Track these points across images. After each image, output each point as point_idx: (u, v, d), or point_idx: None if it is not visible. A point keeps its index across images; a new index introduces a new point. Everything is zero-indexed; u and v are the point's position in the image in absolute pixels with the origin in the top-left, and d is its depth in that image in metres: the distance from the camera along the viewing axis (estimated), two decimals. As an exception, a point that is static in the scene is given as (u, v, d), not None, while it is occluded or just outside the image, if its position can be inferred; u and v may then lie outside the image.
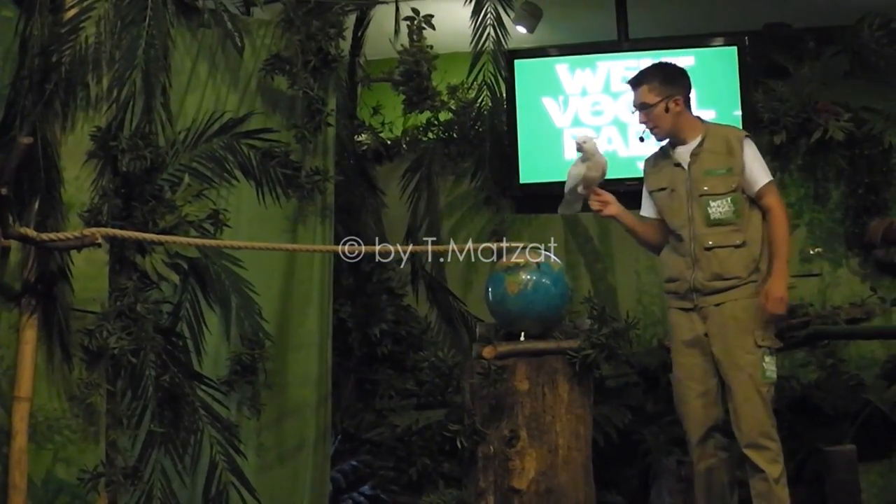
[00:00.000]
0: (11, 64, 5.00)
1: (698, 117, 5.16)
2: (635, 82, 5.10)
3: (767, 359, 4.87)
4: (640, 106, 5.05)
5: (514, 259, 5.29)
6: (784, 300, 4.85)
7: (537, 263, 5.24)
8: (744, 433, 4.82)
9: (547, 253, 5.38)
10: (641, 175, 5.23)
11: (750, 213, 4.96)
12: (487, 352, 5.14)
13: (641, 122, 5.09)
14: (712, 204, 4.91)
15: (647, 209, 5.26)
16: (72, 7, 5.09)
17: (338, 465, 6.35)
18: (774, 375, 4.90)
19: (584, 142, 5.26)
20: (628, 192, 5.35)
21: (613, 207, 5.21)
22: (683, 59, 7.03)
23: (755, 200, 4.98)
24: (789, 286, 4.96)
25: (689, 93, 5.11)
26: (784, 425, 4.99)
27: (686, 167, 5.02)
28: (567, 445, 5.13)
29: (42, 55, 4.98)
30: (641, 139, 5.23)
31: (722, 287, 4.90)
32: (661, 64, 5.24)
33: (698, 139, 5.03)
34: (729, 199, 4.91)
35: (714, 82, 7.10)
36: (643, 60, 7.17)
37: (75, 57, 5.09)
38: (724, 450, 4.99)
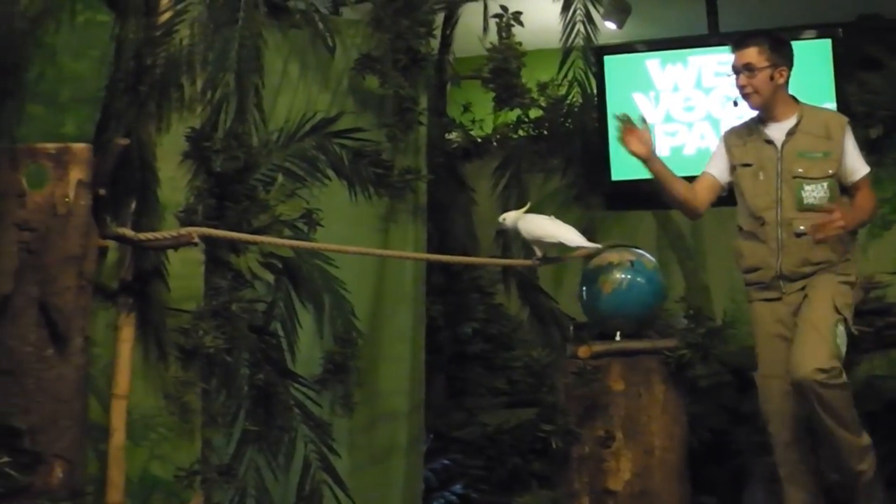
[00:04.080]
0: (107, 67, 5.04)
1: (793, 97, 4.93)
2: (742, 42, 4.86)
3: (840, 328, 4.60)
4: (745, 67, 4.80)
5: (606, 256, 5.26)
6: (845, 226, 4.57)
7: (631, 262, 5.20)
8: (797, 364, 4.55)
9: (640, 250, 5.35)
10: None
11: (840, 201, 4.76)
12: (582, 351, 5.12)
13: (740, 85, 4.83)
14: (806, 188, 4.70)
15: (714, 167, 5.02)
16: (166, 10, 5.11)
17: (429, 463, 6.33)
18: (843, 350, 4.61)
19: (505, 219, 5.26)
20: (723, 188, 5.24)
21: (643, 148, 4.90)
22: (776, 52, 6.94)
23: (847, 190, 4.81)
24: (880, 286, 4.88)
25: (792, 67, 4.90)
26: (882, 427, 4.85)
27: (779, 146, 4.81)
28: (662, 446, 5.10)
29: (137, 58, 5.01)
30: (735, 103, 4.99)
31: (811, 272, 4.71)
32: (772, 31, 5.06)
33: (793, 119, 4.83)
34: (825, 184, 4.72)
35: (807, 75, 6.88)
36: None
37: (169, 59, 5.11)
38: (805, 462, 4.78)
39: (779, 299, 4.78)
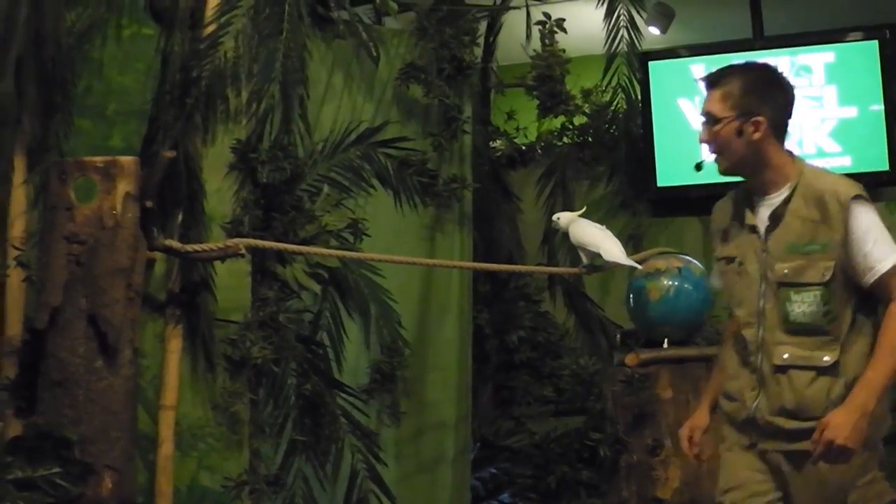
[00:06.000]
0: (153, 80, 5.09)
1: (790, 154, 3.41)
2: (710, 81, 3.43)
3: None
4: (705, 116, 3.39)
5: (653, 263, 5.24)
6: (844, 447, 3.07)
7: (678, 268, 5.17)
8: None
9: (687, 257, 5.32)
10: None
11: (855, 317, 3.27)
12: (630, 359, 5.08)
13: (703, 142, 3.43)
14: (794, 297, 3.25)
15: (716, 277, 3.68)
16: (210, 23, 5.14)
17: (476, 472, 6.33)
18: None
19: (559, 219, 5.21)
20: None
21: (694, 429, 3.76)
22: (822, 55, 6.88)
23: (871, 293, 3.27)
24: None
25: (783, 115, 3.39)
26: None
27: (762, 234, 3.36)
28: (711, 454, 5.03)
29: (182, 70, 5.05)
30: (698, 167, 3.68)
31: (793, 430, 3.25)
32: (750, 65, 3.52)
33: (785, 190, 3.33)
34: (818, 293, 3.23)
35: (854, 78, 6.90)
36: (780, 58, 7.03)
37: (215, 71, 5.15)
38: None
39: (754, 446, 3.40)
